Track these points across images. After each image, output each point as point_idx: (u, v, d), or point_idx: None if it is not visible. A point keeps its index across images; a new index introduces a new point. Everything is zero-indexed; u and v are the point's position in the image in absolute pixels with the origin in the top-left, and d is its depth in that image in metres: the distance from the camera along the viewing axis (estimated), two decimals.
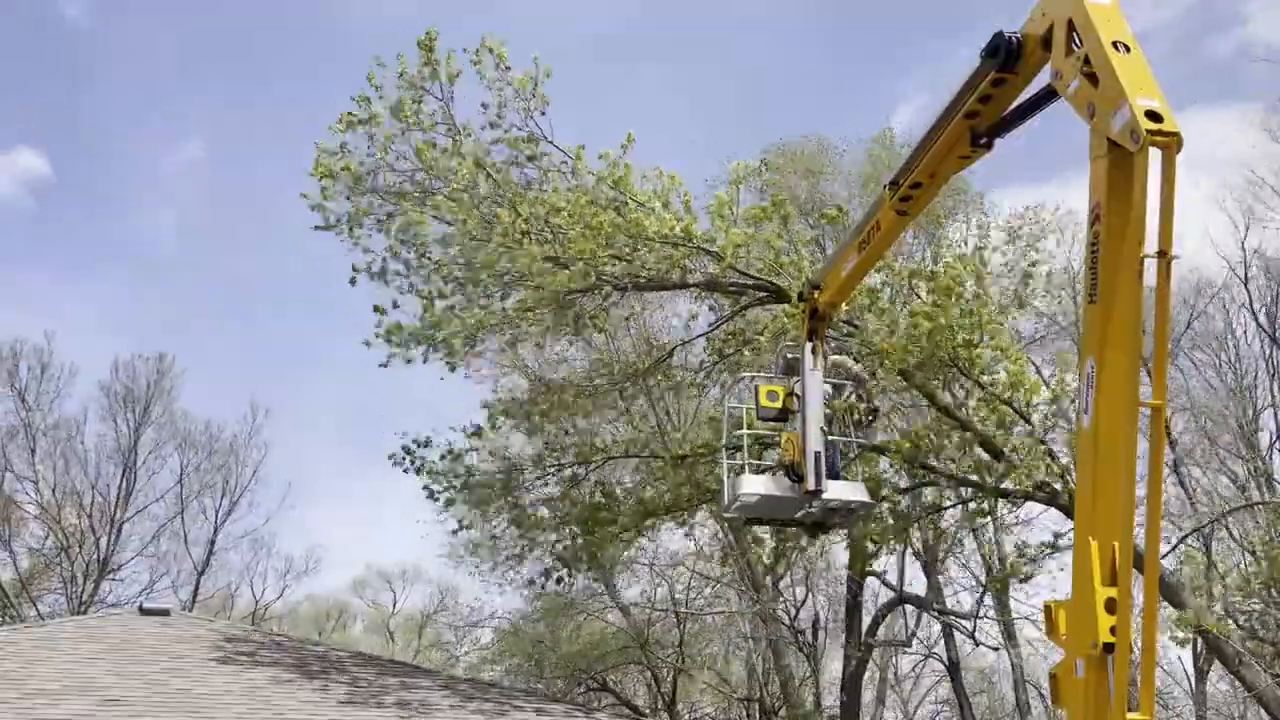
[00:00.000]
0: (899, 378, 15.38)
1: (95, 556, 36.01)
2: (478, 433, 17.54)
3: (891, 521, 16.75)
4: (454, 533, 21.47)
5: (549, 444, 17.93)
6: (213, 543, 38.26)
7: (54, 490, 36.26)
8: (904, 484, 16.96)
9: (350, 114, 15.29)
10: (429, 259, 15.67)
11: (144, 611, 16.77)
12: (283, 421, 65.35)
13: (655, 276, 15.55)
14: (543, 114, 15.11)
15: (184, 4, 64.17)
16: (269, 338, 65.00)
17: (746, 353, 16.02)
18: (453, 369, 16.22)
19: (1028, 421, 14.99)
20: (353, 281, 15.82)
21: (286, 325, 65.46)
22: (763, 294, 15.72)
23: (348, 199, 15.55)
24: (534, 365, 22.84)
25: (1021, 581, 17.95)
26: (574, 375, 19.81)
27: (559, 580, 19.48)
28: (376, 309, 15.85)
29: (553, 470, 17.97)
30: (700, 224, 15.25)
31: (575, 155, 15.28)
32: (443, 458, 17.37)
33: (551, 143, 15.25)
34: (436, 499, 17.67)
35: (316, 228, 15.66)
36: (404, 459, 17.34)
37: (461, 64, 15.13)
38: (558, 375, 21.32)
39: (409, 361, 15.89)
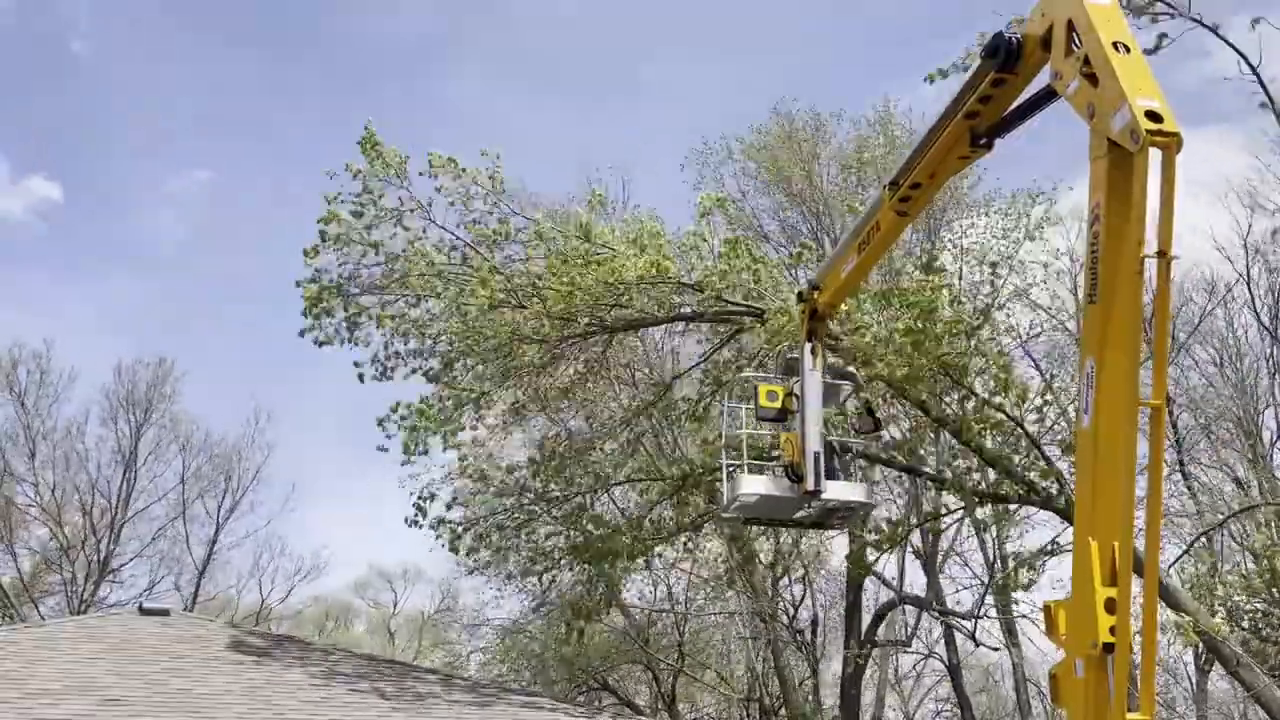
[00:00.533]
0: (889, 387, 15.41)
1: (96, 558, 36.02)
2: (483, 476, 18.27)
3: (888, 526, 16.82)
4: (470, 573, 21.97)
5: (557, 469, 18.31)
6: (213, 544, 38.32)
7: (54, 492, 36.29)
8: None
9: (317, 246, 16.00)
10: (427, 336, 16.41)
11: (144, 611, 16.76)
12: (283, 422, 65.37)
13: (639, 316, 16.01)
14: (503, 192, 16.03)
15: (182, 22, 64.24)
16: (269, 338, 65.07)
17: (745, 371, 16.21)
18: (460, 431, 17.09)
19: (1019, 425, 14.99)
20: (361, 379, 16.63)
21: (287, 325, 65.46)
22: (748, 318, 15.95)
23: (344, 311, 16.32)
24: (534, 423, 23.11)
25: (1024, 589, 18.03)
26: (577, 423, 20.31)
27: (592, 610, 20.41)
28: (379, 423, 16.65)
29: (559, 502, 18.45)
30: (679, 258, 15.85)
31: (540, 225, 15.98)
32: (448, 506, 18.14)
33: (522, 215, 16.17)
34: (454, 552, 18.42)
35: (318, 344, 16.40)
36: (418, 517, 17.87)
37: (420, 176, 15.95)
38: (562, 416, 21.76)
39: (425, 453, 16.83)
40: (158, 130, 65.35)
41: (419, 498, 17.88)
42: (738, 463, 12.15)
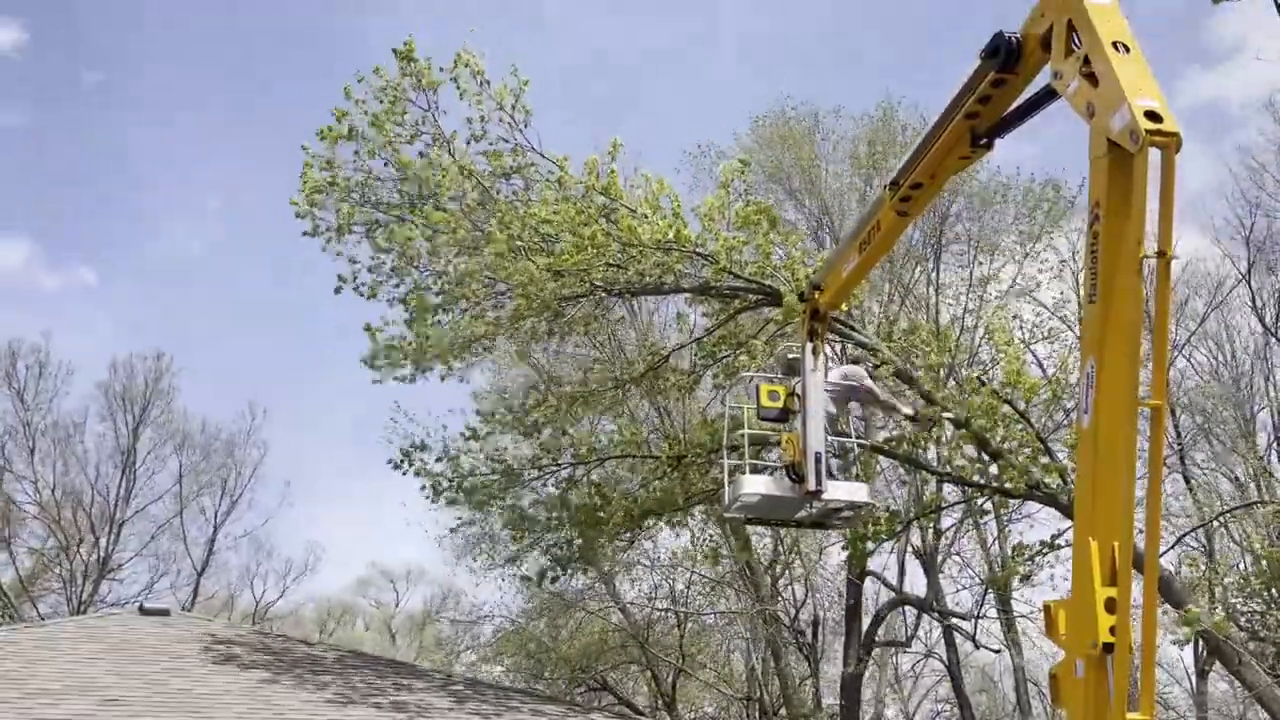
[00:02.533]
0: (896, 379, 15.41)
1: (95, 556, 36.02)
2: (474, 435, 17.58)
3: (885, 518, 16.75)
4: (452, 530, 21.62)
5: (544, 446, 17.89)
6: (212, 543, 38.33)
7: (54, 490, 36.29)
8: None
9: (330, 129, 15.31)
10: (417, 268, 15.76)
11: (144, 611, 16.77)
12: (283, 421, 65.48)
13: (649, 282, 15.59)
14: (526, 125, 15.16)
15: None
16: (270, 338, 65.13)
17: (743, 358, 15.99)
18: (443, 378, 16.37)
19: (1025, 419, 14.98)
20: (338, 290, 16.02)
21: (288, 325, 65.60)
22: (756, 296, 15.73)
23: (335, 211, 15.66)
24: (533, 361, 22.88)
25: (1021, 581, 17.96)
26: (570, 376, 19.81)
27: (554, 580, 19.49)
28: (368, 329, 15.96)
29: (549, 471, 17.96)
30: (691, 226, 15.25)
31: (560, 165, 15.26)
32: (439, 460, 17.37)
33: (539, 153, 15.26)
34: (436, 500, 17.73)
35: (305, 234, 15.77)
36: (402, 462, 17.37)
37: (440, 77, 15.21)
38: (556, 372, 21.34)
39: (400, 380, 16.12)
40: (177, 166, 65.37)
41: (409, 444, 17.33)
42: (739, 462, 12.17)
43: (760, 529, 24.60)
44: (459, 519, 19.79)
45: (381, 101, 15.17)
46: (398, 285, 15.86)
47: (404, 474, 17.36)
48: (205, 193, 66.54)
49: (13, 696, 12.20)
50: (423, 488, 17.38)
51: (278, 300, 65.80)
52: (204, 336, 60.42)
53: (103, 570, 36.09)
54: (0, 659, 13.68)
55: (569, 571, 19.38)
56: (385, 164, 15.51)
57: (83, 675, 13.38)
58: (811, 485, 11.30)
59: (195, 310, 63.52)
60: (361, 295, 15.88)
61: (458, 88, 15.08)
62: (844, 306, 13.77)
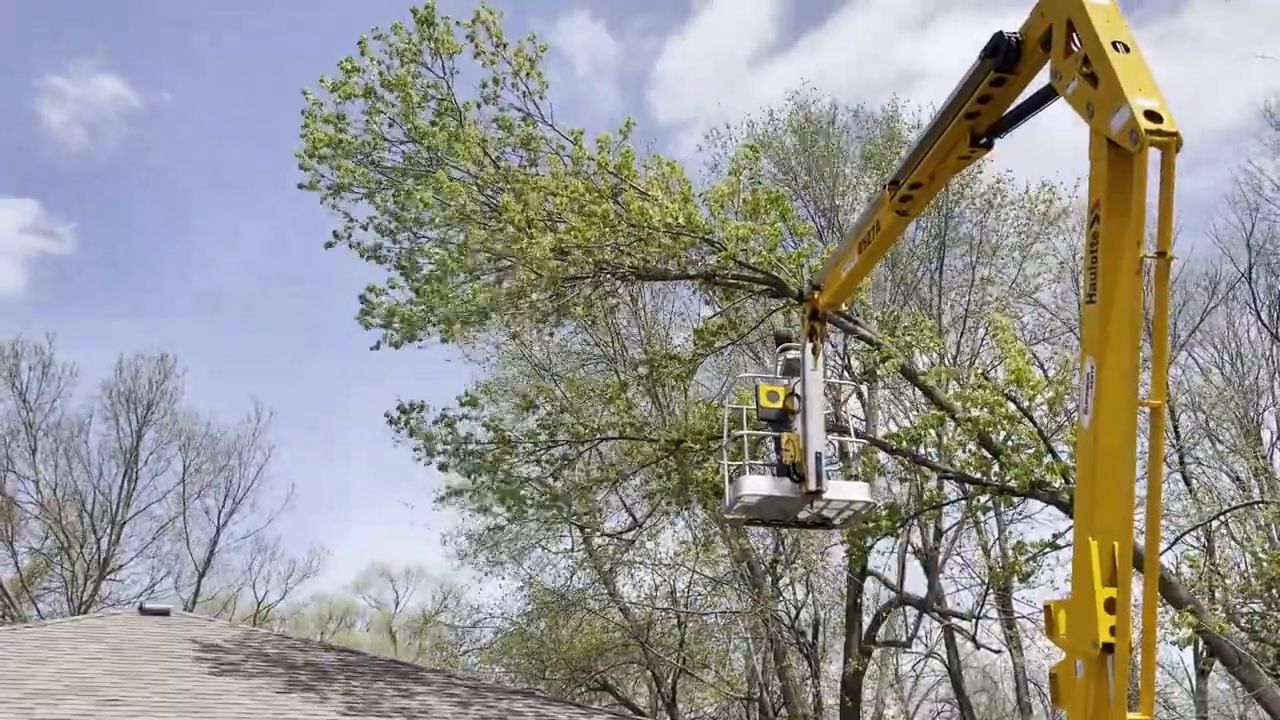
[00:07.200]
0: (900, 374, 15.41)
1: (96, 557, 36.01)
2: (472, 402, 17.29)
3: (885, 515, 16.70)
4: (440, 499, 21.29)
5: (542, 424, 17.65)
6: (214, 544, 38.32)
7: (55, 490, 36.27)
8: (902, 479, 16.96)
9: (342, 83, 15.02)
10: (414, 233, 15.47)
11: (144, 611, 16.80)
12: (284, 421, 65.45)
13: (654, 267, 15.40)
14: (541, 97, 14.85)
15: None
16: (271, 337, 65.14)
17: (749, 353, 15.95)
18: (445, 339, 16.03)
19: (1029, 418, 14.97)
20: (329, 245, 15.74)
21: (288, 324, 65.62)
22: (762, 287, 15.59)
23: (336, 168, 15.38)
24: (535, 350, 22.79)
25: (1022, 580, 17.93)
26: (570, 365, 19.68)
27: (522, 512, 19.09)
28: (366, 294, 15.68)
29: (545, 446, 17.54)
30: (700, 211, 15.01)
31: (574, 140, 14.94)
32: (436, 423, 16.89)
33: (550, 124, 14.97)
34: (429, 462, 17.36)
35: (300, 186, 15.52)
36: (399, 419, 16.89)
37: (458, 39, 14.93)
38: (555, 358, 21.17)
39: (397, 346, 15.76)
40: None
41: (407, 405, 16.82)
42: (739, 463, 12.15)
43: (760, 528, 24.58)
44: (448, 487, 19.46)
45: (394, 59, 14.94)
46: (395, 243, 15.53)
47: (398, 430, 16.83)
48: (208, 193, 66.58)
49: (13, 696, 12.20)
50: (416, 449, 16.91)
51: (278, 301, 65.88)
52: (204, 334, 60.53)
53: (103, 570, 36.08)
54: (0, 659, 13.68)
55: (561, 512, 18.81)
56: (391, 124, 15.26)
57: (83, 675, 13.39)
58: (812, 485, 11.30)
59: (199, 311, 63.61)
60: (359, 255, 15.61)
61: (475, 46, 14.79)
62: (844, 305, 13.73)
